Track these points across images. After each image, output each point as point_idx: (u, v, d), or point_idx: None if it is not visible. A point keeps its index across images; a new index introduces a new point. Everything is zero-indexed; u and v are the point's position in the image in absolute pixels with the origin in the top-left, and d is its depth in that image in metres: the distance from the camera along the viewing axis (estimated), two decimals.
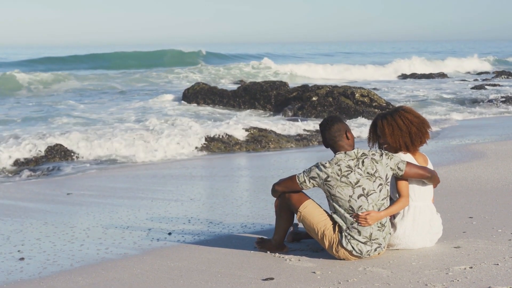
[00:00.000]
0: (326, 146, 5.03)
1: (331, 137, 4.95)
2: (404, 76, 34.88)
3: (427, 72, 36.09)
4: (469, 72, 38.86)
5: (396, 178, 4.99)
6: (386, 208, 4.89)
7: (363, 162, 4.86)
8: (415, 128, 5.08)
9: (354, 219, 4.81)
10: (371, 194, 4.83)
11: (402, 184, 4.99)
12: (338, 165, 4.84)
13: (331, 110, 16.51)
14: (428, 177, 5.04)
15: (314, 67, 37.03)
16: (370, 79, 33.80)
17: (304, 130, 14.13)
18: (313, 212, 4.96)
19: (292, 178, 4.98)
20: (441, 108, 19.46)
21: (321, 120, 14.78)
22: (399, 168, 4.92)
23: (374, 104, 16.84)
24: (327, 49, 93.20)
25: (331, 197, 4.89)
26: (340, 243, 4.86)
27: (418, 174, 4.99)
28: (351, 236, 4.84)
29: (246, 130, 13.18)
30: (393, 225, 5.06)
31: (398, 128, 5.07)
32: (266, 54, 53.20)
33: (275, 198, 5.16)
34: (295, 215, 5.05)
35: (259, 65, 37.03)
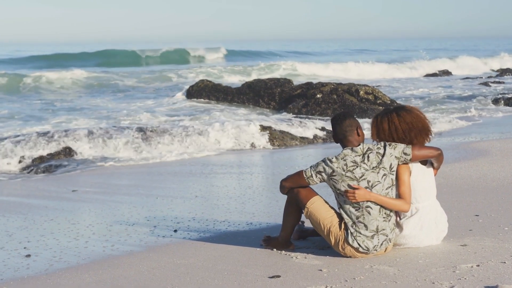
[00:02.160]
0: (336, 141, 5.02)
1: (342, 131, 4.94)
2: (434, 75, 34.49)
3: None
4: (493, 70, 38.06)
5: (398, 180, 4.93)
6: (382, 195, 4.83)
7: (368, 157, 4.85)
8: (398, 135, 4.98)
9: (355, 211, 4.79)
10: (376, 185, 4.82)
11: (404, 188, 4.91)
12: (344, 160, 4.84)
13: (335, 107, 16.48)
14: (439, 154, 5.01)
15: (335, 66, 35.49)
16: (404, 77, 33.35)
17: (309, 127, 14.10)
18: (320, 208, 4.95)
19: (299, 173, 4.98)
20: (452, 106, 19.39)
21: (325, 117, 14.53)
22: (405, 154, 4.89)
23: (378, 101, 16.81)
24: (330, 47, 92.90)
25: (336, 192, 4.88)
26: (346, 240, 4.85)
27: (429, 152, 4.96)
28: (357, 232, 4.82)
29: (251, 127, 13.16)
30: (399, 225, 5.02)
31: (382, 131, 5.04)
32: (286, 53, 51.78)
33: (285, 196, 5.15)
34: (303, 212, 5.04)
35: (278, 65, 34.88)
